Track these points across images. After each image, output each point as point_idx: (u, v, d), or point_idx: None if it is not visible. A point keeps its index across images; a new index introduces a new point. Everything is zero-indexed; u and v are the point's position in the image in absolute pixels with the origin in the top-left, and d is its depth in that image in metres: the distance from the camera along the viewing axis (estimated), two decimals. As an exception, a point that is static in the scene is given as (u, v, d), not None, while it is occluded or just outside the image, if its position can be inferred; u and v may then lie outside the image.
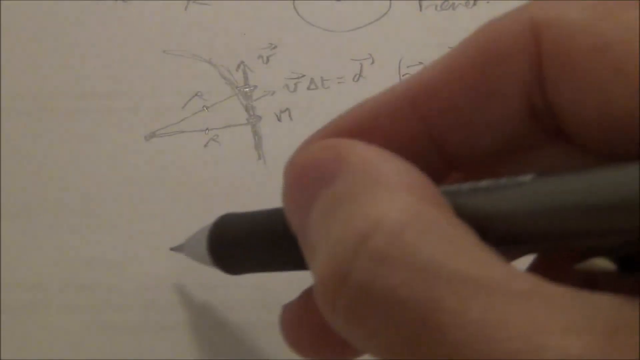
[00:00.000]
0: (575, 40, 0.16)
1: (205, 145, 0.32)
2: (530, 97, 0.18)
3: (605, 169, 0.14)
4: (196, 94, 0.34)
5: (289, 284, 0.29)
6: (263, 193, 0.31)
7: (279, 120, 0.33)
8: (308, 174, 0.17)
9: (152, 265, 0.29)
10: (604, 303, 0.13)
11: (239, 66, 0.35)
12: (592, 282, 0.18)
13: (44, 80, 0.34)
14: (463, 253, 0.14)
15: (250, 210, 0.23)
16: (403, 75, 0.34)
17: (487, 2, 0.37)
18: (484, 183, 0.16)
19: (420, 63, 0.35)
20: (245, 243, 0.23)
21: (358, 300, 0.14)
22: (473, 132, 0.18)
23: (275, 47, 0.35)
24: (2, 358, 0.27)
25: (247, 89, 0.34)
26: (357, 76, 0.34)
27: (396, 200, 0.15)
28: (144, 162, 0.32)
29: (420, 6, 0.37)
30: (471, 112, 0.18)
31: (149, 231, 0.30)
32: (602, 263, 0.15)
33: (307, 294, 0.22)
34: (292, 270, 0.21)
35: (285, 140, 0.32)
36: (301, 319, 0.22)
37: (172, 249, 0.28)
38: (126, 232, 0.30)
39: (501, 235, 0.16)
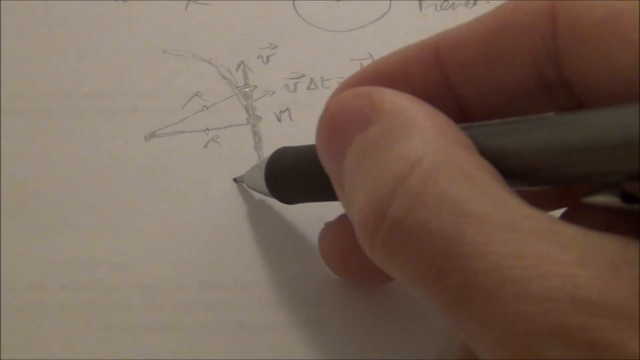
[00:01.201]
0: (588, 12, 0.17)
1: (205, 146, 0.32)
2: (541, 67, 0.19)
3: (616, 108, 0.15)
4: (196, 94, 0.34)
5: (289, 284, 0.29)
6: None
7: (279, 120, 0.33)
8: (342, 121, 0.19)
9: (152, 265, 0.29)
10: (610, 242, 0.14)
11: (239, 66, 0.35)
12: (596, 218, 0.19)
13: (44, 80, 0.34)
14: (487, 194, 0.15)
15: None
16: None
17: (487, 2, 0.37)
18: (509, 119, 0.17)
19: (420, 63, 0.35)
20: (298, 174, 0.25)
21: (394, 233, 0.16)
22: (486, 89, 0.20)
23: (275, 47, 0.35)
24: (2, 358, 0.27)
25: (247, 89, 0.34)
26: (357, 76, 0.34)
27: (429, 143, 0.16)
28: (144, 162, 0.32)
29: (420, 6, 0.37)
30: (485, 71, 0.19)
31: (149, 231, 0.30)
32: (607, 198, 0.16)
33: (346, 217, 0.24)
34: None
35: (285, 140, 0.32)
36: (337, 239, 0.24)
37: (235, 180, 0.31)
38: (126, 232, 0.30)
39: (523, 170, 0.17)
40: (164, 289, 0.29)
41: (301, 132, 0.33)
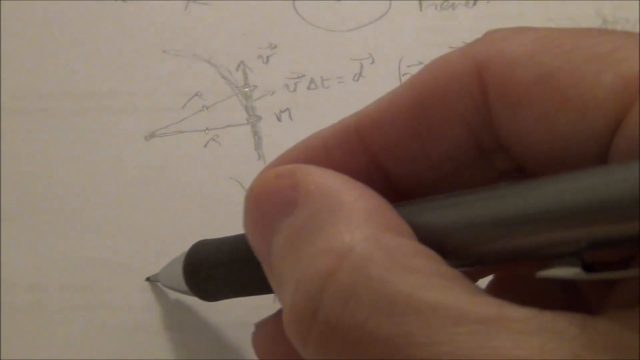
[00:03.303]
0: (518, 73, 0.16)
1: (205, 145, 0.32)
2: (477, 134, 0.18)
3: (601, 168, 0.14)
4: (196, 94, 0.34)
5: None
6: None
7: (279, 120, 0.33)
8: (267, 203, 0.17)
9: (152, 265, 0.29)
10: (565, 323, 0.13)
11: (239, 66, 0.35)
12: (550, 288, 0.18)
13: (44, 80, 0.34)
14: (428, 282, 0.14)
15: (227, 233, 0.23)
16: (403, 75, 0.34)
17: (487, 2, 0.37)
18: (452, 194, 0.16)
19: (421, 63, 0.35)
20: (220, 265, 0.23)
21: (328, 336, 0.14)
22: (418, 166, 0.18)
23: (275, 47, 0.35)
24: (2, 358, 0.27)
25: (247, 89, 0.34)
26: (357, 76, 0.34)
27: (358, 231, 0.15)
28: (144, 162, 0.32)
29: (420, 6, 0.37)
30: (414, 148, 0.18)
31: (149, 231, 0.30)
32: (566, 271, 0.15)
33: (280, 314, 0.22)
34: (267, 294, 0.21)
35: (285, 140, 0.32)
36: (275, 338, 0.22)
37: (147, 279, 0.29)
38: (126, 232, 0.30)
39: (469, 247, 0.15)
40: (163, 289, 0.29)
41: (301, 132, 0.32)
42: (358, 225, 0.15)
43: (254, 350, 0.23)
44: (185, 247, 0.25)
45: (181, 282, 0.25)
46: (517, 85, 0.16)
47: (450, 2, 0.37)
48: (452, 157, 0.18)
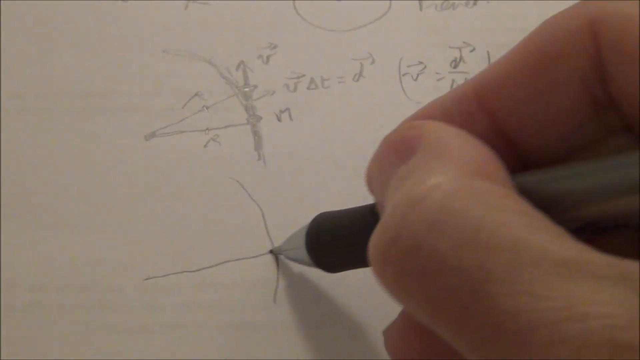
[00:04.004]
0: (634, 29, 0.16)
1: (205, 145, 0.32)
2: (592, 91, 0.18)
3: None
4: (196, 94, 0.34)
5: (288, 285, 0.29)
6: (263, 193, 0.31)
7: (279, 120, 0.33)
8: (393, 150, 0.18)
9: (152, 265, 0.29)
10: None
11: (239, 66, 0.35)
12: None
13: (44, 80, 0.34)
14: (511, 220, 0.14)
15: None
16: (403, 75, 0.34)
17: (487, 2, 0.37)
18: (579, 162, 0.16)
19: (420, 63, 0.35)
20: (342, 241, 0.23)
21: (406, 260, 0.15)
22: (537, 127, 0.19)
23: (275, 47, 0.35)
24: (2, 358, 0.27)
25: (247, 89, 0.34)
26: (357, 76, 0.34)
27: (451, 171, 0.15)
28: (144, 162, 0.32)
29: (420, 6, 0.37)
30: (534, 107, 0.18)
31: (149, 231, 0.30)
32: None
33: (404, 315, 0.22)
34: None
35: (285, 140, 0.32)
36: (406, 340, 0.21)
37: (271, 252, 0.29)
38: (126, 232, 0.30)
39: (577, 218, 0.16)
40: (164, 289, 0.29)
41: (301, 132, 0.33)
42: (453, 166, 0.16)
43: (388, 353, 0.22)
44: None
45: (304, 254, 0.25)
46: (631, 43, 0.17)
47: (450, 2, 0.37)
48: (569, 115, 0.18)
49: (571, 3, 0.18)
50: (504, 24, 0.36)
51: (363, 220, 0.22)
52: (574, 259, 0.13)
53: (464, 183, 0.15)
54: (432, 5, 0.37)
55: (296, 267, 0.29)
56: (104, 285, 0.29)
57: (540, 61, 0.18)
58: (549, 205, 0.16)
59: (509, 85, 0.19)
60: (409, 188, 0.16)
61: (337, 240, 0.24)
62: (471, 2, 0.37)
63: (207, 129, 0.33)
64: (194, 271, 0.29)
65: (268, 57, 0.35)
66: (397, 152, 0.18)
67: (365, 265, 0.23)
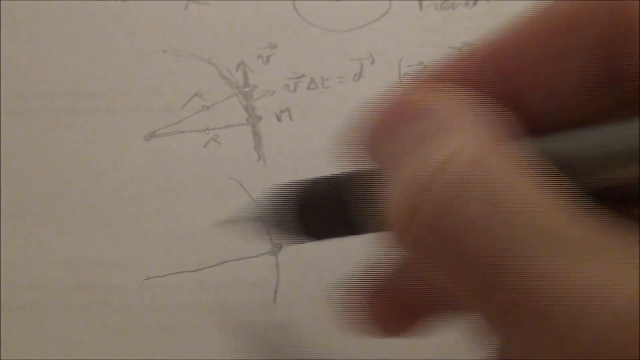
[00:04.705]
0: None
1: (205, 145, 0.32)
2: (609, 60, 0.18)
3: None
4: (196, 94, 0.34)
5: (288, 285, 0.29)
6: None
7: (279, 120, 0.33)
8: (398, 109, 0.18)
9: (152, 265, 0.29)
10: None
11: (239, 66, 0.35)
12: None
13: (44, 80, 0.34)
14: (541, 194, 0.14)
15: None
16: (403, 75, 0.34)
17: (487, 2, 0.37)
18: (592, 127, 0.16)
19: (421, 63, 0.35)
20: (331, 206, 0.22)
21: (433, 226, 0.14)
22: (552, 91, 0.18)
23: (275, 47, 0.35)
24: (2, 358, 0.27)
25: (247, 89, 0.34)
26: (357, 76, 0.34)
27: (474, 136, 0.15)
28: (144, 162, 0.32)
29: (420, 6, 0.37)
30: (550, 70, 0.18)
31: (149, 231, 0.30)
32: None
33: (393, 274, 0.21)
34: (376, 232, 0.21)
35: (285, 140, 0.32)
36: (394, 304, 0.21)
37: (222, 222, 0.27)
38: (126, 232, 0.30)
39: (589, 180, 0.15)
40: (164, 289, 0.29)
41: (301, 132, 0.33)
42: (476, 132, 0.15)
43: (365, 317, 0.21)
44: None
45: (288, 221, 0.24)
46: None
47: (450, 2, 0.37)
48: (584, 83, 0.18)
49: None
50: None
51: (353, 183, 0.21)
52: (597, 239, 0.13)
53: (487, 146, 0.15)
54: (432, 5, 0.37)
55: (296, 268, 0.29)
56: (104, 285, 0.29)
57: (559, 26, 0.18)
58: (564, 170, 0.15)
59: (526, 47, 0.18)
60: (434, 150, 0.15)
61: (325, 205, 0.23)
62: (471, 2, 0.37)
63: (207, 129, 0.33)
64: (193, 271, 0.29)
65: (268, 57, 0.35)
66: (408, 114, 0.17)
67: (351, 232, 0.22)
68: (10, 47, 0.35)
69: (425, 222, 0.14)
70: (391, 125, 0.18)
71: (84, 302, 0.28)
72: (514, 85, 0.19)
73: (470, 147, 0.15)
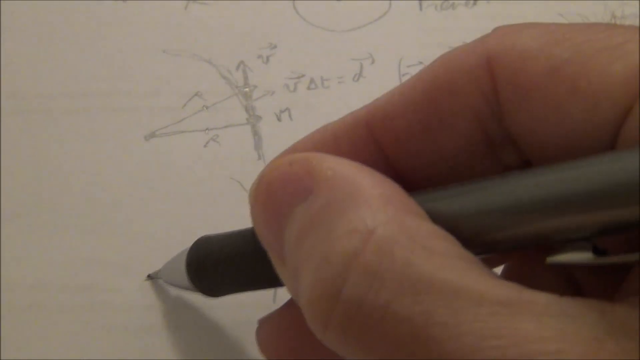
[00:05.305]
0: (529, 65, 0.16)
1: (205, 145, 0.32)
2: (487, 127, 0.18)
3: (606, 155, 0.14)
4: (196, 94, 0.34)
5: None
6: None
7: (279, 120, 0.33)
8: (279, 191, 0.17)
9: (152, 266, 0.29)
10: (585, 309, 0.13)
11: (238, 66, 0.35)
12: (563, 274, 0.18)
13: (44, 80, 0.34)
14: (449, 264, 0.14)
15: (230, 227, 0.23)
16: (403, 75, 0.34)
17: (487, 2, 0.37)
18: (462, 183, 0.16)
19: (421, 63, 0.35)
20: (225, 260, 0.22)
21: (351, 315, 0.14)
22: (427, 160, 0.18)
23: (275, 47, 0.35)
24: (2, 358, 0.27)
25: (247, 89, 0.34)
26: (357, 76, 0.34)
27: (379, 214, 0.15)
28: (144, 162, 0.32)
29: (420, 6, 0.37)
30: (424, 141, 0.18)
31: (149, 231, 0.30)
32: (576, 256, 0.15)
33: (287, 307, 0.22)
34: (272, 287, 0.21)
35: (285, 140, 0.32)
36: (280, 333, 0.22)
37: (149, 277, 0.29)
38: (126, 232, 0.30)
39: (479, 236, 0.16)
40: (164, 289, 0.29)
41: (301, 132, 0.32)
42: (379, 208, 0.15)
43: (258, 346, 0.22)
44: (185, 246, 0.25)
45: (184, 278, 0.24)
46: (527, 77, 0.16)
47: (450, 2, 0.37)
48: (460, 151, 0.18)
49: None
50: (504, 24, 0.36)
51: (246, 242, 0.21)
52: (513, 298, 0.13)
53: (396, 225, 0.15)
54: (432, 5, 0.37)
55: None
56: (104, 285, 0.29)
57: (433, 96, 0.18)
58: (458, 227, 0.16)
59: (399, 116, 0.18)
60: (338, 238, 0.15)
61: (219, 264, 0.23)
62: (471, 2, 0.37)
63: (207, 129, 0.33)
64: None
65: (268, 57, 0.35)
66: (287, 192, 0.17)
67: (245, 289, 0.23)
68: (10, 47, 0.35)
69: (344, 315, 0.15)
70: (273, 207, 0.17)
71: (84, 302, 0.28)
72: (387, 154, 0.19)
73: (380, 228, 0.15)
